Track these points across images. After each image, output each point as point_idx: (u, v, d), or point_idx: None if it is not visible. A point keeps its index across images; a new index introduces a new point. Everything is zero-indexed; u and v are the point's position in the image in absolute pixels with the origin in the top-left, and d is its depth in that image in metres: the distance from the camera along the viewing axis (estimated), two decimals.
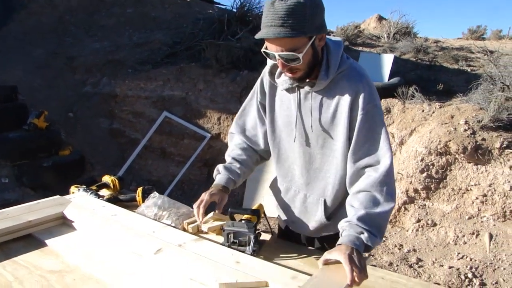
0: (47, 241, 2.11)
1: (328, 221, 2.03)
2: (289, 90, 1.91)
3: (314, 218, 2.07)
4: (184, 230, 2.14)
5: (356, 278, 1.49)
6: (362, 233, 1.64)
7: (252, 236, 1.88)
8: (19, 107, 6.30)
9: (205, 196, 2.03)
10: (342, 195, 1.97)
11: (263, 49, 1.73)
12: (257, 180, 5.89)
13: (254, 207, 2.10)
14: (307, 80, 1.83)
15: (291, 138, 1.99)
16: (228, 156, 2.26)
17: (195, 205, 2.04)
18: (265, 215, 2.14)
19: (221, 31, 8.19)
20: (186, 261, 1.79)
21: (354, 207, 1.74)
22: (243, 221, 1.92)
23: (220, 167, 2.19)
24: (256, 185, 5.91)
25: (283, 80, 1.88)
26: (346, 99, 1.77)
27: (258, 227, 1.98)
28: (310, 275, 1.65)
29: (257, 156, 2.25)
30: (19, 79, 7.57)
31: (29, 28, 9.74)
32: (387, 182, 1.75)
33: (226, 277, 1.63)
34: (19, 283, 1.73)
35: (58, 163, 6.05)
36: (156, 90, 7.48)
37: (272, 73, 1.95)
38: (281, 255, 1.95)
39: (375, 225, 1.68)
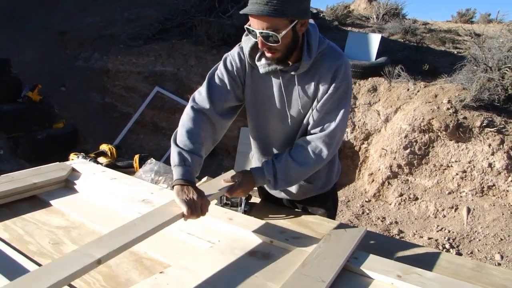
0: (51, 202, 2.26)
1: (309, 183, 2.19)
2: (271, 73, 1.96)
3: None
4: None
5: (234, 190, 1.90)
6: (269, 177, 1.93)
7: (243, 198, 2.06)
8: (13, 81, 6.36)
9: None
10: None
11: (246, 25, 1.80)
12: (246, 153, 6.08)
13: None
14: (290, 64, 1.91)
15: (273, 119, 2.06)
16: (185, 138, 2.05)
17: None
18: None
19: (212, 8, 8.26)
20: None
21: (285, 152, 1.97)
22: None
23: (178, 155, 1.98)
24: (245, 157, 6.10)
25: (264, 63, 1.93)
26: (325, 77, 1.88)
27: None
28: (297, 232, 1.84)
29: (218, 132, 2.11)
30: (10, 53, 7.60)
31: (18, 2, 9.71)
32: (322, 146, 1.91)
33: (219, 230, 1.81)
34: (29, 236, 1.89)
35: (52, 136, 6.18)
36: (148, 65, 7.58)
37: (251, 56, 1.97)
38: (270, 216, 2.14)
39: (285, 175, 1.93)
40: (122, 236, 1.53)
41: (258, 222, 1.92)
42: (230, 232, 1.86)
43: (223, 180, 1.94)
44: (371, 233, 2.12)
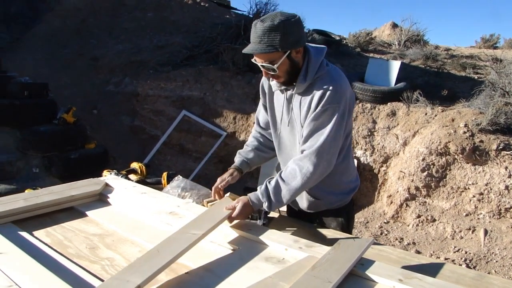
0: (87, 212, 2.48)
1: (316, 199, 2.42)
2: (281, 91, 2.30)
3: (304, 197, 2.45)
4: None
5: (233, 215, 2.12)
6: (263, 199, 2.16)
7: (263, 211, 2.25)
8: (49, 103, 6.70)
9: (220, 179, 2.48)
10: None
11: (252, 59, 2.15)
12: (268, 175, 6.24)
13: None
14: (294, 84, 2.19)
15: (285, 131, 2.37)
16: (245, 145, 2.69)
17: (213, 188, 2.47)
18: None
19: (238, 36, 8.49)
20: None
21: (277, 173, 2.19)
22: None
23: (237, 153, 2.64)
24: (271, 168, 6.26)
25: (275, 83, 2.29)
26: (316, 98, 2.10)
27: None
28: (310, 242, 2.00)
29: (271, 142, 2.60)
30: (46, 77, 8.01)
31: (55, 30, 10.21)
32: (308, 164, 2.10)
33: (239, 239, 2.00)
34: (68, 241, 2.10)
35: (84, 156, 6.46)
36: (175, 90, 7.87)
37: (269, 78, 2.33)
38: (286, 228, 2.32)
39: (277, 197, 2.14)
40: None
41: (275, 233, 2.10)
42: (249, 240, 2.05)
43: (225, 207, 2.17)
44: (380, 245, 2.27)
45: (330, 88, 2.07)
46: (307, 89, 2.15)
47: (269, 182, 2.18)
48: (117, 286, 1.49)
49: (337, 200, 2.43)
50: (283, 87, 2.25)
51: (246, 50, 2.07)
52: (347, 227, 2.50)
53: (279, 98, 2.35)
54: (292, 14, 2.05)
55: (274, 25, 1.97)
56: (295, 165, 2.14)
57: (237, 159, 2.61)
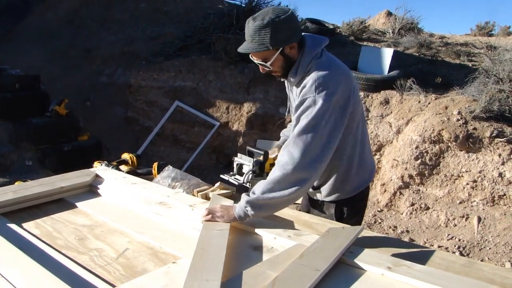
0: (77, 204, 2.49)
1: (314, 189, 2.44)
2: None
3: None
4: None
5: (207, 216, 2.04)
6: (246, 206, 2.00)
7: (250, 171, 2.26)
8: (42, 95, 6.65)
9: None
10: None
11: (250, 56, 2.17)
12: None
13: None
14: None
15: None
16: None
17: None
18: None
19: (230, 25, 8.46)
20: (196, 216, 2.16)
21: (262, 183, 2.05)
22: (254, 159, 2.29)
23: (281, 133, 2.72)
24: None
25: None
26: (300, 89, 2.12)
27: None
28: (299, 230, 2.02)
29: None
30: (39, 69, 7.96)
31: (47, 21, 10.13)
32: (291, 149, 2.02)
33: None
34: (58, 232, 2.10)
35: (77, 148, 6.43)
36: (168, 80, 7.84)
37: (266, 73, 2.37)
38: (277, 217, 2.31)
39: (262, 204, 2.01)
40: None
41: (264, 222, 2.10)
42: (238, 229, 2.05)
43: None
44: (371, 233, 2.27)
45: (312, 78, 2.06)
46: (300, 81, 2.15)
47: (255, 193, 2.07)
48: (200, 286, 1.48)
49: (329, 194, 2.41)
50: (283, 80, 2.31)
51: (240, 49, 2.11)
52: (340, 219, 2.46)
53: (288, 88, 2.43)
54: (283, 10, 2.05)
55: (263, 24, 1.99)
56: (277, 159, 2.12)
57: (281, 139, 2.63)
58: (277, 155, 2.35)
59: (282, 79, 2.30)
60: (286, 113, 2.57)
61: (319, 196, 2.46)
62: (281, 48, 2.07)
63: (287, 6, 7.70)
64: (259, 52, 2.08)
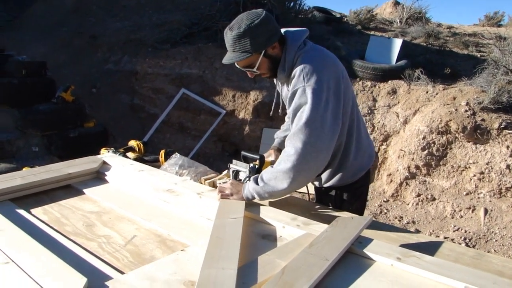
0: (84, 190, 2.49)
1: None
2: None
3: None
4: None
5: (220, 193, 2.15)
6: (253, 192, 2.09)
7: (247, 177, 2.24)
8: (48, 82, 6.64)
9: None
10: None
11: (235, 64, 2.18)
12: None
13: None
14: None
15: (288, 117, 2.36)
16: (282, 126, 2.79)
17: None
18: None
19: (237, 13, 8.26)
20: (203, 204, 2.16)
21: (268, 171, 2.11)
22: (250, 165, 2.28)
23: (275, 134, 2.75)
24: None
25: None
26: (290, 82, 2.14)
27: None
28: (307, 219, 1.99)
29: None
30: (45, 56, 7.96)
31: (54, 8, 10.10)
32: (295, 141, 2.03)
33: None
34: (66, 219, 2.11)
35: (84, 134, 6.43)
36: (174, 68, 7.81)
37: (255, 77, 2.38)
38: (285, 206, 2.30)
39: (267, 191, 2.07)
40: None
41: (272, 210, 2.10)
42: (247, 218, 2.03)
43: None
44: (379, 223, 2.26)
45: (298, 69, 2.08)
46: (289, 74, 2.17)
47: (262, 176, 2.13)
48: (217, 275, 1.47)
49: (326, 180, 2.42)
50: (274, 79, 2.33)
51: (224, 60, 2.15)
52: (340, 206, 2.46)
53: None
54: (257, 14, 2.07)
55: (241, 32, 2.03)
56: (283, 151, 2.13)
57: (276, 141, 2.67)
58: (274, 160, 2.37)
59: (271, 79, 2.34)
60: (272, 109, 2.55)
61: (318, 183, 2.47)
62: (263, 51, 2.10)
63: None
64: (241, 61, 2.12)
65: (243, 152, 2.38)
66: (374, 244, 1.75)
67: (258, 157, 2.31)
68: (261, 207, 2.13)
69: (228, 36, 2.08)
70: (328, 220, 2.05)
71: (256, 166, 2.28)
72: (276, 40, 2.13)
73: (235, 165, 2.34)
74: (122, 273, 1.59)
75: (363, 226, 1.87)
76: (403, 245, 1.86)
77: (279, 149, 2.56)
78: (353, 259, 1.69)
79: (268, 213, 2.06)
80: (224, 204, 2.09)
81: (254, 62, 2.13)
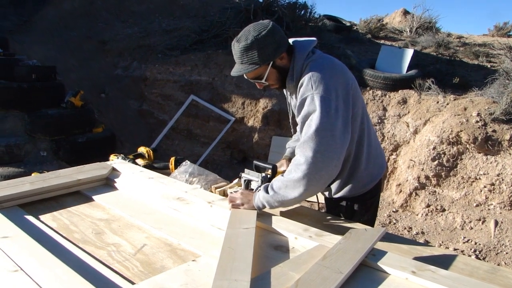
0: (94, 197, 2.47)
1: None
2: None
3: None
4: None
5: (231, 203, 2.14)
6: (263, 201, 2.07)
7: (259, 187, 2.21)
8: (57, 86, 6.65)
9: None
10: None
11: (244, 76, 2.18)
12: (277, 161, 6.22)
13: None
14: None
15: (298, 127, 2.38)
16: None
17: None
18: None
19: (247, 20, 8.39)
20: (214, 213, 2.13)
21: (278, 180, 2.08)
22: (263, 174, 2.24)
23: (286, 144, 2.77)
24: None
25: None
26: (299, 90, 2.11)
27: None
28: (319, 230, 1.96)
29: None
30: (54, 60, 7.98)
31: (64, 12, 10.14)
32: (304, 150, 2.01)
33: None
34: (74, 226, 2.09)
35: (92, 140, 6.43)
36: (184, 74, 7.82)
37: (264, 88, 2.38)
38: (296, 216, 2.27)
39: (276, 196, 2.04)
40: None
41: (284, 221, 2.06)
42: (258, 228, 2.00)
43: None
44: (391, 235, 2.23)
45: (305, 78, 2.07)
46: (298, 83, 2.15)
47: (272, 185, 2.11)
48: (230, 287, 1.45)
49: (335, 192, 2.40)
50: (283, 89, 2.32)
51: (232, 72, 2.16)
52: (351, 217, 2.42)
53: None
54: (264, 25, 2.07)
55: (248, 44, 2.03)
56: (293, 159, 2.10)
57: (287, 150, 2.67)
58: (285, 169, 2.32)
59: (281, 90, 2.34)
60: (291, 127, 2.60)
61: (328, 193, 2.44)
62: (271, 62, 2.10)
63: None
64: (249, 73, 2.12)
65: (255, 162, 2.35)
66: (388, 257, 1.72)
67: (270, 166, 2.28)
68: (272, 217, 2.10)
69: (236, 48, 2.08)
70: (340, 231, 2.02)
71: (269, 176, 2.25)
72: (283, 51, 2.12)
73: (247, 174, 2.31)
74: (132, 283, 1.57)
75: (376, 239, 1.84)
76: (416, 258, 1.83)
77: (291, 159, 2.53)
78: (367, 272, 1.66)
79: (280, 224, 2.03)
80: (235, 214, 2.07)
81: (262, 73, 2.13)
